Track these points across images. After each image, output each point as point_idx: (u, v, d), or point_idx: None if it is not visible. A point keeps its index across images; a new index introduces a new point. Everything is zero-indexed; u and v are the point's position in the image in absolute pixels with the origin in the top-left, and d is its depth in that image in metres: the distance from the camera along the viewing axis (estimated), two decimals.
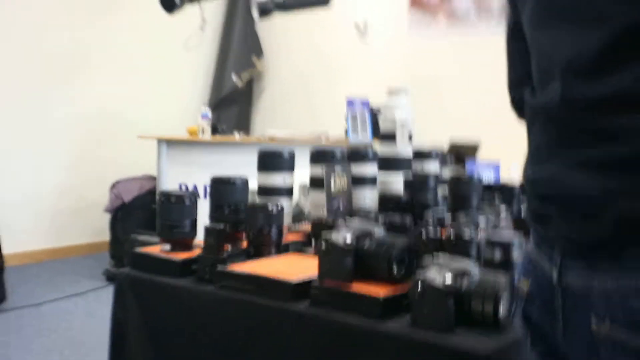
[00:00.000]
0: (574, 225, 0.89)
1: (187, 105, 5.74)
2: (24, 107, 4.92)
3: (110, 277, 4.53)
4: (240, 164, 2.42)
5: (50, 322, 3.69)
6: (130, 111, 5.44)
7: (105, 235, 4.91)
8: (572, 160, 0.89)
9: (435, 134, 4.28)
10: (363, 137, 4.68)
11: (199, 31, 5.67)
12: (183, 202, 1.55)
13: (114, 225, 4.78)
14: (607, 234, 0.85)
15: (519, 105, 1.11)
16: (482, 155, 4.13)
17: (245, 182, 1.66)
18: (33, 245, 4.97)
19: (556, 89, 0.91)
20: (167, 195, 1.56)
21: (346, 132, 4.80)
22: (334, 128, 5.15)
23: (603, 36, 0.84)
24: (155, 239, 1.67)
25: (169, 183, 4.48)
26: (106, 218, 4.87)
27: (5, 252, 3.99)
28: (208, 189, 1.70)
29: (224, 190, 1.62)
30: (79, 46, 5.16)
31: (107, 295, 4.23)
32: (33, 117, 4.96)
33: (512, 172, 3.03)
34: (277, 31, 6.03)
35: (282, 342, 1.36)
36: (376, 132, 4.59)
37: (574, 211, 0.89)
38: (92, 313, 3.86)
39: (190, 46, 5.62)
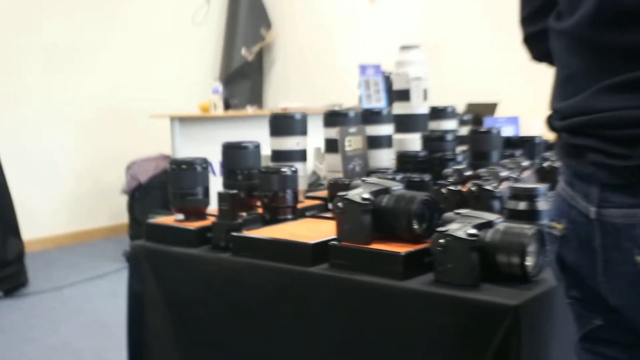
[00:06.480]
0: (614, 152, 0.84)
1: (197, 81, 5.67)
2: (35, 93, 4.90)
3: None
4: (254, 138, 2.39)
5: (73, 304, 3.69)
6: (140, 91, 5.39)
7: (123, 217, 4.91)
8: (606, 84, 0.84)
9: (450, 96, 4.21)
10: (377, 103, 4.60)
11: (205, 5, 5.62)
12: (194, 169, 1.51)
13: (132, 206, 4.77)
14: None
15: (534, 41, 1.05)
16: (500, 113, 4.04)
17: (257, 147, 1.61)
18: (52, 230, 4.99)
19: (592, 2, 0.85)
20: (178, 163, 1.52)
21: (360, 99, 4.72)
22: (348, 97, 5.06)
23: None
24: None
25: None
26: (124, 200, 4.86)
27: (25, 238, 3.99)
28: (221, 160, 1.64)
29: (236, 155, 1.58)
30: (85, 27, 5.11)
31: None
32: (44, 103, 4.95)
33: (534, 128, 2.95)
34: (283, 0, 5.94)
35: (302, 307, 1.32)
36: (391, 98, 4.51)
37: (612, 137, 0.84)
38: (114, 294, 3.85)
39: (197, 21, 5.57)
